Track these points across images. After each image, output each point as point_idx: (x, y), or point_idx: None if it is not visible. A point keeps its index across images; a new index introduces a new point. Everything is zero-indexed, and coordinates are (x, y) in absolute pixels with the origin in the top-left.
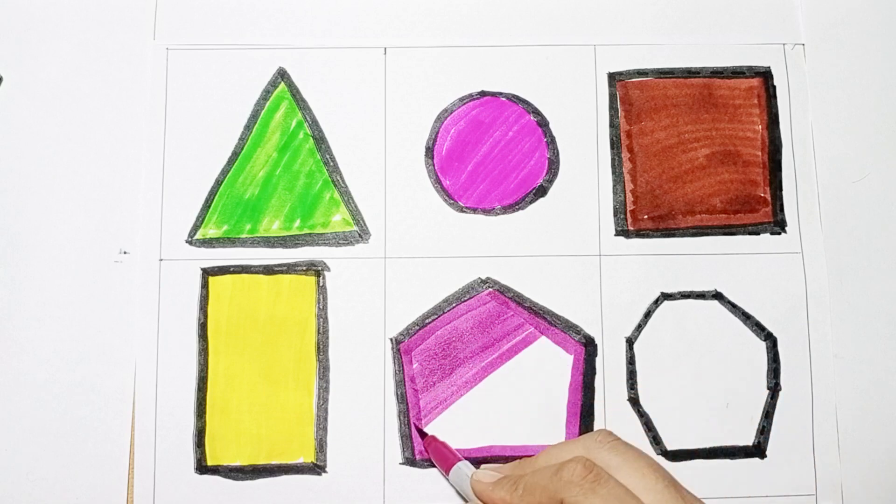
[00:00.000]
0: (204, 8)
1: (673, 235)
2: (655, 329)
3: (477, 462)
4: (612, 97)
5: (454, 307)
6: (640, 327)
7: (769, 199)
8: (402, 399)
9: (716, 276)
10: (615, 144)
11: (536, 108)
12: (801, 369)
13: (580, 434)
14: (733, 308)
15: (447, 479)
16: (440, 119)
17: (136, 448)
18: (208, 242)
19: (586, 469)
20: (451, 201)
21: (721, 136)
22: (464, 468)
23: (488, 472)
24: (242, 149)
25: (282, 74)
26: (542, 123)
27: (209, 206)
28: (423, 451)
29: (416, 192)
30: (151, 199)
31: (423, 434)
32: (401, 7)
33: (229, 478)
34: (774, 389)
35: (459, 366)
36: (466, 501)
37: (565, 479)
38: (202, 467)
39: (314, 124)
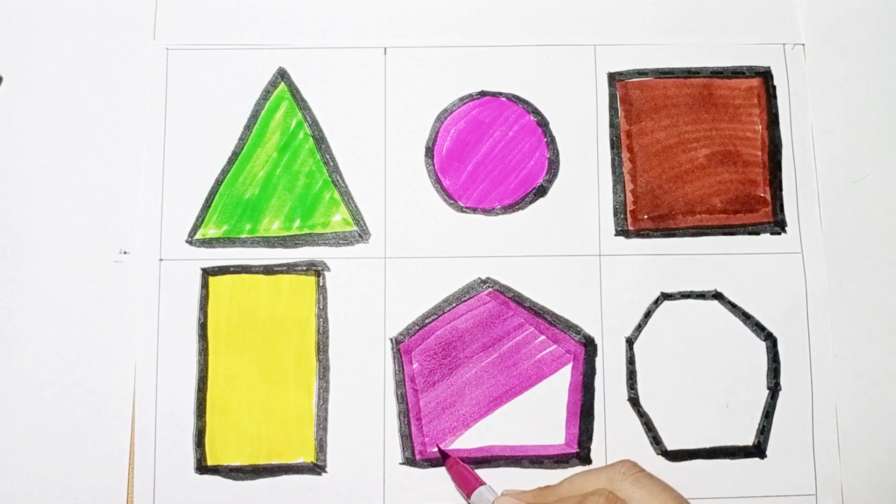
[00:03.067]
0: (204, 8)
1: (673, 235)
2: (655, 329)
3: (478, 462)
4: (612, 97)
5: (454, 307)
6: (640, 327)
7: (769, 199)
8: (402, 399)
9: (716, 276)
10: (615, 144)
11: (536, 108)
12: (801, 369)
13: (579, 434)
14: (733, 308)
15: (467, 502)
16: (440, 119)
17: (136, 448)
18: (208, 242)
19: (609, 502)
20: (451, 201)
21: (721, 136)
22: (486, 493)
23: (511, 499)
24: (242, 149)
25: (282, 74)
26: (542, 123)
27: (209, 206)
28: (423, 451)
29: (416, 192)
30: (151, 199)
31: (444, 455)
32: (401, 7)
33: (229, 478)
34: (774, 389)
35: (459, 366)
36: None
37: None
38: (202, 467)
39: (314, 124)
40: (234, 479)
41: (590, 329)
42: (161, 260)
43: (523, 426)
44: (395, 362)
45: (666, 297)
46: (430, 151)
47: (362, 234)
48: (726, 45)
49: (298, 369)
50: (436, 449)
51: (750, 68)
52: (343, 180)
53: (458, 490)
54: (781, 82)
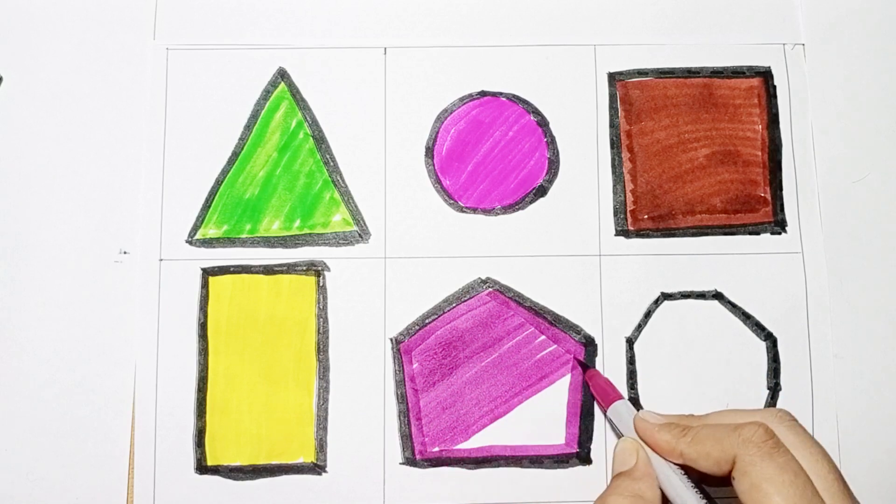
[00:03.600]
0: (204, 8)
1: (673, 235)
2: (655, 329)
3: (478, 462)
4: (612, 97)
5: (454, 307)
6: (640, 327)
7: (769, 199)
8: (402, 399)
9: (716, 276)
10: (615, 144)
11: (536, 108)
12: (801, 369)
13: (580, 434)
14: (733, 308)
15: (604, 415)
16: (440, 119)
17: (136, 448)
18: (208, 242)
19: (767, 434)
20: (451, 201)
21: (721, 136)
22: (625, 406)
23: (653, 414)
24: (242, 149)
25: (282, 74)
26: (542, 123)
27: (209, 206)
28: (423, 451)
29: (416, 192)
30: (151, 199)
31: (584, 366)
32: (401, 7)
33: (229, 478)
34: (774, 389)
35: (459, 366)
36: (621, 436)
37: (744, 437)
38: (202, 467)
39: (314, 124)
40: (234, 479)
41: (590, 329)
42: (161, 260)
43: (523, 426)
44: (395, 362)
45: (666, 297)
46: (430, 151)
47: (362, 234)
48: (726, 45)
49: (298, 369)
50: (576, 360)
51: (750, 68)
52: (343, 180)
53: (598, 403)
54: (781, 82)
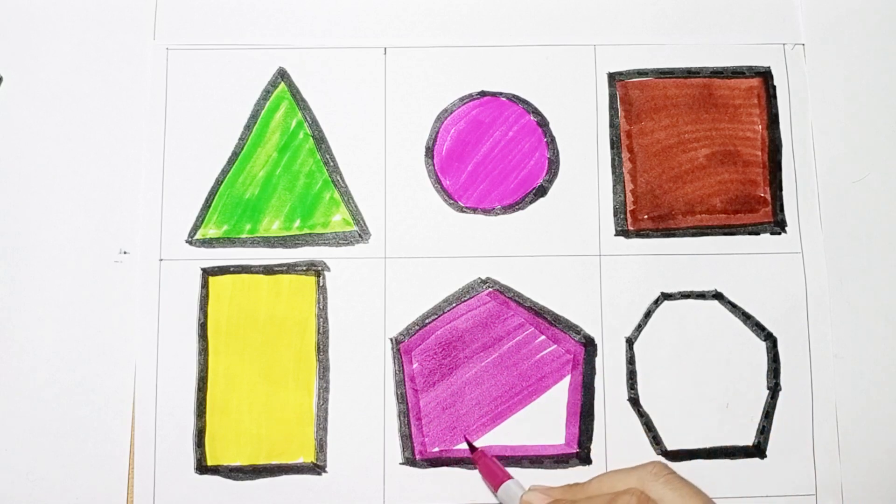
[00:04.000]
0: (204, 8)
1: (673, 235)
2: (655, 329)
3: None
4: (612, 97)
5: (454, 307)
6: (640, 327)
7: (769, 199)
8: (402, 399)
9: (716, 276)
10: (615, 144)
11: (536, 108)
12: (801, 369)
13: (580, 434)
14: (733, 308)
15: (494, 495)
16: (440, 119)
17: (136, 448)
18: (208, 242)
19: (641, 502)
20: (451, 201)
21: (721, 136)
22: (514, 487)
23: (538, 495)
24: (242, 149)
25: (282, 74)
26: (542, 123)
27: (209, 206)
28: (423, 451)
29: (416, 192)
30: (151, 199)
31: (472, 448)
32: (401, 7)
33: (229, 478)
34: (774, 389)
35: (459, 366)
36: None
37: None
38: (202, 467)
39: (314, 124)
40: (234, 479)
41: (590, 329)
42: (161, 260)
43: (523, 426)
44: (395, 362)
45: (666, 297)
46: (430, 151)
47: (362, 234)
48: (726, 45)
49: (298, 369)
50: (465, 440)
51: (750, 68)
52: (343, 180)
53: (486, 482)
54: (781, 82)
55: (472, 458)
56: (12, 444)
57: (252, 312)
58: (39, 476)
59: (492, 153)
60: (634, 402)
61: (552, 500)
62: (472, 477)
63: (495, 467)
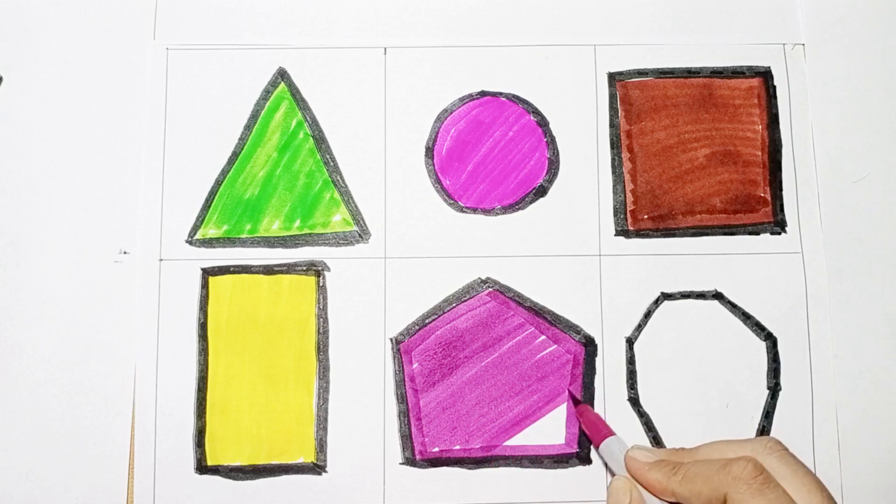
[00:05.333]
0: (204, 8)
1: (673, 235)
2: (655, 329)
3: (478, 462)
4: (612, 97)
5: (454, 307)
6: (640, 327)
7: (769, 199)
8: (402, 399)
9: (716, 276)
10: (615, 144)
11: (536, 108)
12: (801, 369)
13: (580, 434)
14: (733, 308)
15: (596, 451)
16: (440, 119)
17: (136, 448)
18: (208, 242)
19: (757, 470)
20: (451, 201)
21: (721, 136)
22: (617, 443)
23: (644, 452)
24: (242, 149)
25: (282, 74)
26: (542, 123)
27: (209, 206)
28: (423, 451)
29: (416, 192)
30: (151, 199)
31: (576, 401)
32: (401, 7)
33: (229, 478)
34: (774, 389)
35: (459, 366)
36: (614, 474)
37: (734, 475)
38: (202, 467)
39: (314, 124)
40: (234, 479)
41: (590, 329)
42: (161, 260)
43: (523, 426)
44: (395, 362)
45: (666, 297)
46: (430, 151)
47: (362, 234)
48: (726, 45)
49: (298, 369)
50: (569, 393)
51: (750, 68)
52: (343, 180)
53: (588, 438)
54: (781, 82)
55: (576, 412)
56: (12, 444)
57: (252, 312)
58: (39, 476)
59: (492, 153)
60: (634, 402)
61: (658, 458)
62: (473, 477)
63: (599, 423)
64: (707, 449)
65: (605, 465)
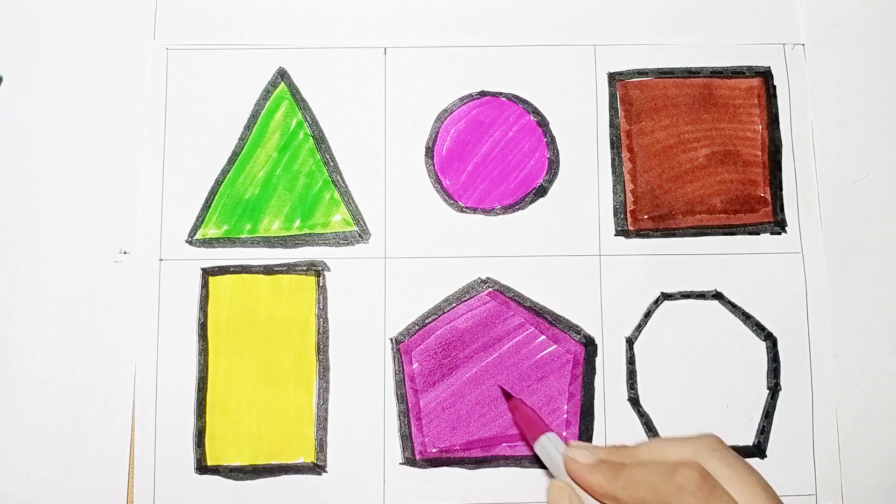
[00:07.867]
0: (204, 8)
1: (673, 235)
2: (655, 329)
3: (477, 461)
4: (612, 97)
5: (454, 307)
6: (640, 327)
7: (769, 199)
8: (402, 399)
9: (716, 276)
10: (615, 144)
11: (536, 108)
12: (801, 369)
13: (580, 434)
14: (733, 308)
15: (532, 447)
16: (440, 119)
17: (136, 448)
18: (208, 242)
19: (702, 477)
20: (451, 201)
21: (721, 136)
22: (553, 440)
23: (584, 452)
24: (242, 149)
25: (282, 74)
26: (542, 123)
27: (209, 206)
28: (423, 451)
29: (416, 192)
30: (151, 199)
31: (508, 396)
32: (401, 7)
33: (229, 478)
34: (774, 389)
35: (459, 366)
36: (553, 475)
37: (679, 483)
38: (202, 467)
39: (314, 124)
40: (234, 479)
41: (590, 329)
42: (161, 260)
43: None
44: (395, 362)
45: (666, 297)
46: (430, 151)
47: (362, 234)
48: (726, 45)
49: (298, 369)
50: (500, 389)
51: (750, 68)
52: (343, 180)
53: (523, 434)
54: (781, 82)
55: (508, 408)
56: (12, 444)
57: (252, 312)
58: (39, 476)
59: (492, 153)
60: (634, 401)
61: (598, 459)
62: (473, 477)
63: (534, 418)
64: (647, 448)
65: (543, 465)
